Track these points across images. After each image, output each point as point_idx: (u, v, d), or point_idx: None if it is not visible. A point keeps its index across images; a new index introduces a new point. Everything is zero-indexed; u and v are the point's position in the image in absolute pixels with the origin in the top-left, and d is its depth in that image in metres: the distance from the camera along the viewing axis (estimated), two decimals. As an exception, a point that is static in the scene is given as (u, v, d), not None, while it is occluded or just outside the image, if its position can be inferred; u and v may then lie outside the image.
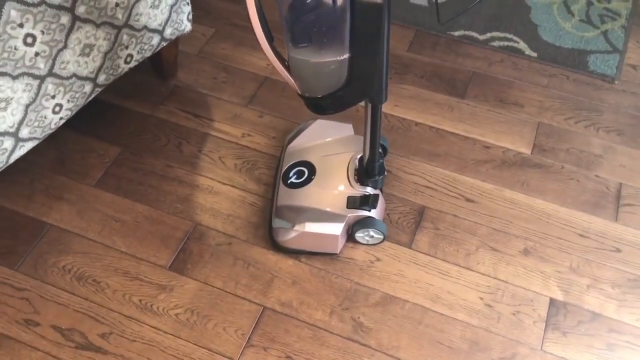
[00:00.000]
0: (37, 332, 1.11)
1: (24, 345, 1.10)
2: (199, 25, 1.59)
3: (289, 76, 0.97)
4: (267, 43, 0.91)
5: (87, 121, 1.39)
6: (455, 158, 1.37)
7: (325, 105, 1.01)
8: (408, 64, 1.55)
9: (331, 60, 0.92)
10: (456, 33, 1.61)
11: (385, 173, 1.27)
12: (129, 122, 1.42)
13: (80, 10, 1.14)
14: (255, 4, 0.87)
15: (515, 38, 1.60)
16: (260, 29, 0.90)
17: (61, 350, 1.09)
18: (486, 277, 1.19)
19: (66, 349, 1.09)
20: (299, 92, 1.00)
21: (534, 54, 1.56)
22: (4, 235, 1.24)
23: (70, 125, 1.27)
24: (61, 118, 1.22)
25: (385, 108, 1.45)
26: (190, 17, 1.38)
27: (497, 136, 1.40)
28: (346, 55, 0.91)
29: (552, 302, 1.16)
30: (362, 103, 1.06)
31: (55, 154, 1.36)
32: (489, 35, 1.60)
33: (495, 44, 1.59)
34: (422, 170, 1.35)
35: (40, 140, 1.20)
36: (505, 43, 1.59)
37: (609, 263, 1.21)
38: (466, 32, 1.61)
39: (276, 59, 0.95)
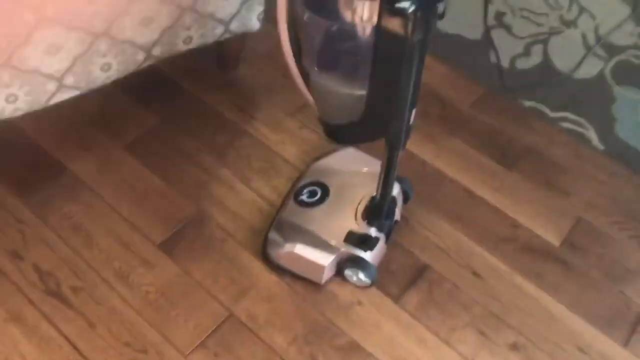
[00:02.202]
0: (19, 266, 1.16)
1: (2, 275, 1.14)
2: (274, 27, 1.60)
3: (309, 95, 0.96)
4: (292, 58, 0.91)
5: (139, 86, 1.43)
6: (479, 227, 1.30)
7: (339, 134, 0.99)
8: (466, 120, 1.49)
9: (348, 93, 0.90)
10: (527, 103, 1.53)
11: (396, 219, 1.23)
12: (177, 99, 1.46)
13: (150, -19, 1.17)
14: (287, 19, 0.87)
15: (587, 125, 1.50)
16: (288, 43, 0.89)
17: (32, 290, 1.13)
18: (462, 359, 1.12)
19: (37, 290, 1.13)
20: (317, 114, 0.98)
21: (602, 147, 1.46)
22: (28, 168, 1.30)
23: (123, 85, 1.31)
24: (108, 77, 1.26)
25: (426, 155, 1.40)
26: (262, 17, 1.39)
27: (530, 217, 1.32)
28: (363, 92, 0.88)
29: (523, 407, 1.07)
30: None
31: (99, 107, 1.41)
32: (560, 114, 1.52)
33: (564, 125, 1.50)
34: (440, 228, 1.29)
35: (84, 92, 1.25)
36: (575, 127, 1.50)
37: (600, 387, 1.10)
38: (537, 105, 1.53)
39: (300, 77, 0.94)
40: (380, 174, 1.09)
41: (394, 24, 0.80)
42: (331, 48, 0.88)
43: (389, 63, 0.84)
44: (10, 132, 1.34)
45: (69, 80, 1.21)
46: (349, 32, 0.84)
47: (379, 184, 1.11)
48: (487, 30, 1.66)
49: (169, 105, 1.44)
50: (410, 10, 0.75)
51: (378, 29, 0.79)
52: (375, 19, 0.79)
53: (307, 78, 0.95)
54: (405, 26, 0.79)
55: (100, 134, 1.37)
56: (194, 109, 1.44)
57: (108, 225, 1.23)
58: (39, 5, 1.08)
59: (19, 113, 1.20)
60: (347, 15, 0.81)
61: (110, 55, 1.22)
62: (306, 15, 0.84)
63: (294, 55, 0.90)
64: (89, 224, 1.23)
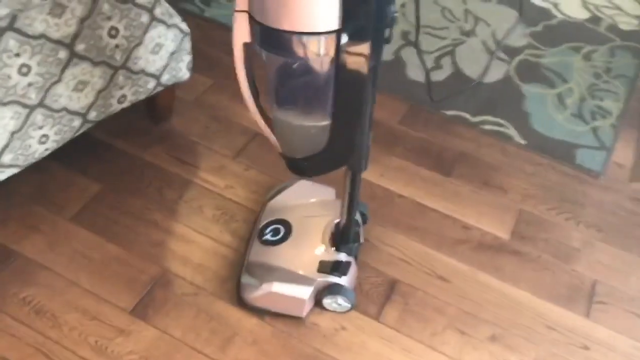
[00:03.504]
0: (-15, 362, 1.09)
1: (-32, 375, 1.07)
2: (199, 75, 1.62)
3: (270, 134, 0.98)
4: (251, 98, 0.93)
5: (72, 154, 1.39)
6: (434, 235, 1.36)
7: (304, 167, 1.01)
8: (398, 137, 1.56)
9: (312, 125, 0.93)
10: (449, 112, 1.64)
11: (361, 241, 1.27)
12: (114, 161, 1.43)
13: (79, 47, 1.16)
14: (245, 58, 0.89)
15: (506, 124, 1.62)
16: (246, 83, 0.91)
17: (5, 384, 1.06)
18: (449, 359, 1.16)
19: (11, 383, 1.06)
20: (280, 150, 1.01)
21: (523, 142, 1.58)
22: (-29, 258, 1.23)
23: (55, 156, 1.27)
24: (46, 149, 1.23)
25: (371, 177, 1.46)
26: (190, 66, 1.41)
27: (477, 218, 1.40)
28: (327, 122, 0.92)
29: (514, 393, 1.13)
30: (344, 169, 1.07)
31: (36, 183, 1.36)
32: (480, 118, 1.63)
33: (487, 127, 1.61)
34: (399, 243, 1.34)
35: (22, 168, 1.21)
36: (496, 128, 1.61)
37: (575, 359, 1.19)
38: (459, 113, 1.64)
39: (259, 116, 0.96)
40: (344, 198, 1.13)
41: (352, 56, 0.84)
42: (290, 84, 0.91)
43: (349, 91, 0.88)
44: (-57, 225, 1.26)
45: (7, 158, 1.16)
46: (306, 67, 0.88)
47: (343, 208, 1.15)
48: (398, 50, 1.76)
49: (107, 168, 1.41)
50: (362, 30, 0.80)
51: (338, 62, 0.83)
52: (332, 53, 0.83)
53: (267, 117, 0.97)
54: (364, 55, 0.84)
55: (43, 209, 1.32)
56: (133, 168, 1.42)
57: (71, 301, 1.18)
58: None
59: (-44, 202, 1.14)
60: (304, 52, 0.84)
61: (47, 126, 1.19)
62: (264, 55, 0.87)
63: (253, 94, 0.93)
64: (51, 304, 1.17)
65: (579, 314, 1.25)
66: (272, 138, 0.99)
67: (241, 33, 0.86)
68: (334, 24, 0.80)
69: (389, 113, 1.62)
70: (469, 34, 1.87)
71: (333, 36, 0.81)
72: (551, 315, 1.25)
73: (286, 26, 0.80)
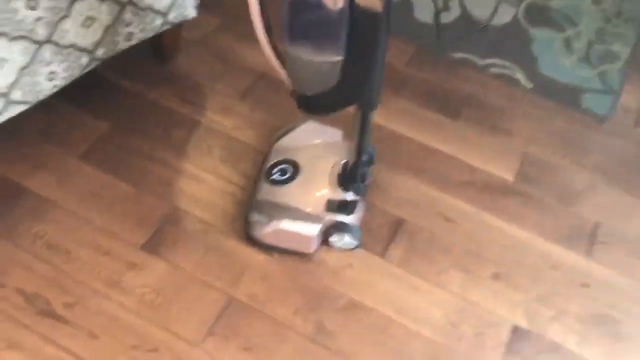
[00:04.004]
0: (1, 293, 1.11)
1: (-15, 305, 1.10)
2: (206, 15, 1.59)
3: (281, 70, 0.98)
4: (264, 33, 0.92)
5: (81, 93, 1.38)
6: (440, 176, 1.38)
7: (314, 104, 1.02)
8: (405, 79, 1.56)
9: (324, 61, 0.93)
10: (456, 55, 1.63)
11: (369, 181, 1.28)
12: (122, 100, 1.43)
13: (87, -19, 1.14)
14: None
15: (513, 67, 1.61)
16: (259, 18, 0.91)
17: (22, 314, 1.09)
18: (454, 296, 1.19)
19: (28, 313, 1.09)
20: (291, 88, 1.01)
21: (530, 85, 1.58)
22: (-18, 194, 1.24)
23: (63, 94, 1.26)
24: (55, 86, 1.22)
25: (378, 119, 1.46)
26: (197, 4, 1.39)
27: (483, 160, 1.41)
28: (340, 58, 0.92)
29: (515, 328, 1.16)
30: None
31: (45, 121, 1.36)
32: (488, 61, 1.62)
33: (494, 70, 1.60)
34: (406, 184, 1.36)
35: (32, 105, 1.20)
36: (503, 71, 1.60)
37: (576, 297, 1.22)
38: (466, 56, 1.62)
39: (271, 52, 0.96)
40: (355, 137, 1.13)
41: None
42: (303, 19, 0.91)
43: (363, 28, 0.88)
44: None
45: (16, 95, 1.16)
46: (319, 2, 0.87)
47: (354, 148, 1.16)
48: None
49: (115, 107, 1.41)
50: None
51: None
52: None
53: (279, 53, 0.97)
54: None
55: (52, 147, 1.32)
56: (141, 108, 1.42)
57: (84, 237, 1.20)
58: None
59: (-34, 137, 1.14)
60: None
61: (55, 63, 1.18)
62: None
63: (264, 29, 0.92)
64: (63, 240, 1.19)
65: (580, 254, 1.28)
66: (283, 74, 0.99)
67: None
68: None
69: (395, 55, 1.61)
70: (478, -25, 1.84)
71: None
72: (553, 255, 1.27)
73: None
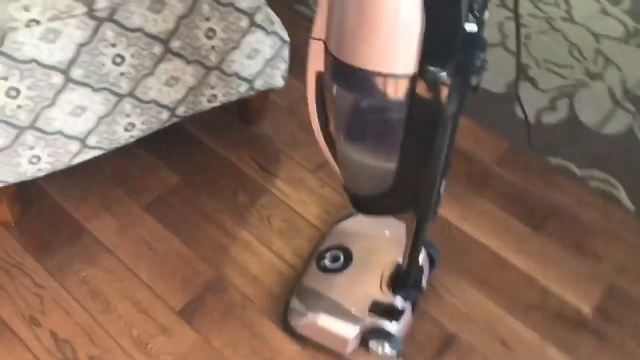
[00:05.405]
0: (36, 332, 1.13)
1: (19, 341, 1.12)
2: (297, 81, 1.59)
3: (334, 164, 0.93)
4: (318, 126, 0.89)
5: (159, 142, 1.42)
6: (507, 293, 1.25)
7: (365, 205, 0.96)
8: (490, 177, 1.46)
9: (378, 165, 0.88)
10: (553, 160, 1.50)
11: (423, 288, 1.19)
12: (199, 155, 1.45)
13: (175, 44, 1.17)
14: (317, 86, 0.85)
15: (616, 183, 1.46)
16: (315, 111, 0.87)
17: (47, 358, 1.10)
18: None
19: (52, 358, 1.10)
20: (342, 183, 0.96)
21: (632, 208, 1.42)
22: (48, 227, 1.29)
23: (142, 141, 1.30)
24: (131, 136, 1.26)
25: (451, 216, 1.37)
26: (286, 74, 1.38)
27: (560, 283, 1.27)
28: (394, 165, 0.86)
29: None
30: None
31: (121, 165, 1.40)
32: (588, 172, 1.48)
33: (593, 183, 1.46)
34: (468, 295, 1.25)
35: (106, 151, 1.24)
36: (604, 186, 1.46)
37: None
38: (564, 162, 1.49)
39: (325, 144, 0.91)
40: (407, 242, 1.05)
41: (428, 95, 0.77)
42: (359, 120, 0.86)
43: (420, 137, 0.81)
44: (31, 192, 1.33)
45: (92, 140, 1.20)
46: (377, 106, 0.82)
47: (405, 252, 1.08)
48: (517, 83, 1.64)
49: (190, 161, 1.43)
50: (443, 75, 0.73)
51: (411, 101, 0.77)
52: (406, 93, 0.77)
53: (333, 145, 0.92)
54: (439, 96, 0.77)
55: (121, 192, 1.35)
56: (215, 166, 1.43)
57: (127, 289, 1.20)
58: (65, 67, 1.08)
59: (41, 174, 1.19)
60: (375, 92, 0.78)
61: (135, 115, 1.22)
62: (334, 89, 0.82)
63: (321, 122, 0.88)
64: (107, 289, 1.20)
65: (655, 419, 1.10)
66: (336, 168, 0.94)
67: (316, 61, 0.82)
68: (411, 68, 0.74)
69: (485, 149, 1.51)
70: (595, 76, 1.71)
71: (407, 80, 0.75)
72: (622, 412, 1.11)
73: (360, 63, 0.75)
